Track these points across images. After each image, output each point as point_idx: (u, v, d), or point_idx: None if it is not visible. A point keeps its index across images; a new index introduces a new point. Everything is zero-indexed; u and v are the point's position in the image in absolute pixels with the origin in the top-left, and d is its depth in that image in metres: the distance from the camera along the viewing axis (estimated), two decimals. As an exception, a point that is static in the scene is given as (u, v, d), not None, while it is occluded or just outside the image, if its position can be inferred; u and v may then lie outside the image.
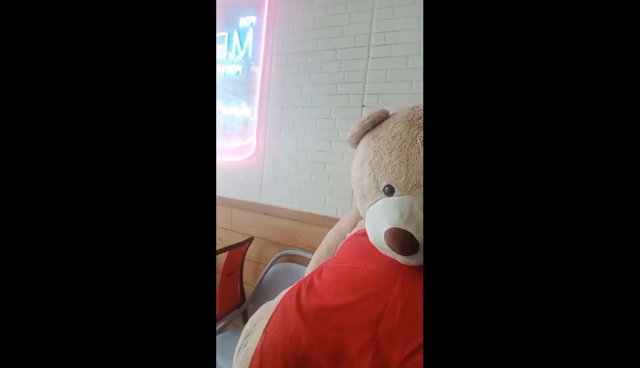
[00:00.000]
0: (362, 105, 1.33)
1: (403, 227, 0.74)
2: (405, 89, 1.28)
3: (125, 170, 0.38)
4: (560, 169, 0.35)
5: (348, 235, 1.03)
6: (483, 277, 0.37)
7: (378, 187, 0.84)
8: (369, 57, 1.33)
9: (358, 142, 0.94)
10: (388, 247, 0.76)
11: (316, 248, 1.09)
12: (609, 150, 0.34)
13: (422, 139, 0.81)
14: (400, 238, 0.73)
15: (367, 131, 0.92)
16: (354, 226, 1.07)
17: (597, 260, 0.34)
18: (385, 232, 0.76)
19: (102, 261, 0.38)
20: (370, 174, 0.86)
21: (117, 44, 0.38)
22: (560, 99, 0.35)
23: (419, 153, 0.81)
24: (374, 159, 0.86)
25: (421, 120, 0.84)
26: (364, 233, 0.95)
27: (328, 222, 1.30)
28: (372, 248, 0.85)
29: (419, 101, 0.85)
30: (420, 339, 0.70)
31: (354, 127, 0.93)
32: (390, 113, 0.94)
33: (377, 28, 1.33)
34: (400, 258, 0.79)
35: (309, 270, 1.09)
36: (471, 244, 0.37)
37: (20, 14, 0.36)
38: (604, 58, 0.34)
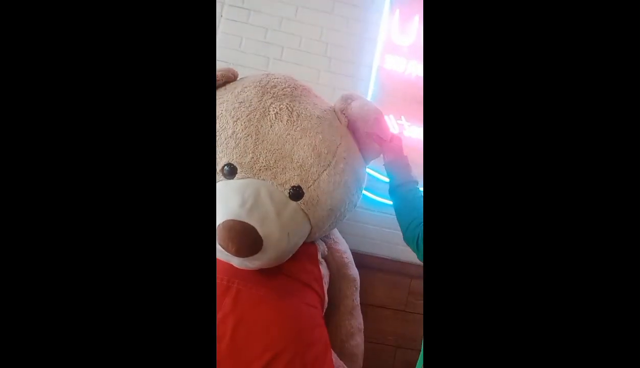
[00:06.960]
0: (208, 72, 1.09)
1: (244, 219, 0.55)
2: (261, 65, 1.12)
3: (127, 156, 0.39)
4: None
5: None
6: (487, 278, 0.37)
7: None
8: (221, 15, 1.10)
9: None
10: (220, 247, 0.56)
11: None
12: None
13: (276, 110, 0.65)
14: (238, 234, 0.54)
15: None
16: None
17: (584, 261, 0.35)
18: (219, 225, 0.56)
19: (105, 261, 0.38)
20: (205, 146, 0.64)
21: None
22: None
23: (271, 127, 0.64)
24: (212, 128, 0.65)
25: (277, 89, 0.69)
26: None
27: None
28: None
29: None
30: (257, 365, 0.53)
31: None
32: (239, 77, 0.76)
33: (234, -16, 1.11)
34: (235, 261, 0.60)
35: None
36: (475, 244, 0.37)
37: (21, 14, 0.37)
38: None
